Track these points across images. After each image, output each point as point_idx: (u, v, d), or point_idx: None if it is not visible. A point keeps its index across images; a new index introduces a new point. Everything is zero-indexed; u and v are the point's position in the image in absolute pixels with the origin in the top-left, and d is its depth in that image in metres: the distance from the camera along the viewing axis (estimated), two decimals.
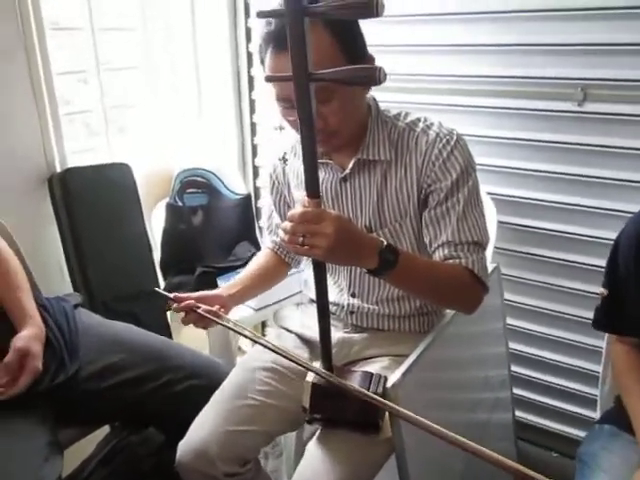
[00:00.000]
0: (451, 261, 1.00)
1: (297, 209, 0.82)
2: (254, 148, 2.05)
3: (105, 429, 1.33)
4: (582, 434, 1.62)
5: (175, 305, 1.11)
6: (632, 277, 0.96)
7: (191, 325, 1.12)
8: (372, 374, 0.97)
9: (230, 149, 2.04)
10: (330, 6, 0.63)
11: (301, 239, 0.81)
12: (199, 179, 1.84)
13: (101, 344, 1.23)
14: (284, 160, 1.24)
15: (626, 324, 1.01)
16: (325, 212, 0.81)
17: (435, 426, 0.71)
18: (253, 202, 2.01)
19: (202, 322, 1.11)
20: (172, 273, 1.84)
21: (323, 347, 0.94)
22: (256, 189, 2.11)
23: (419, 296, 1.10)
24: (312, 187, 0.79)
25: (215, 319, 1.06)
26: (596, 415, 1.25)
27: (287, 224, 0.83)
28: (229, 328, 1.03)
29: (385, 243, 0.88)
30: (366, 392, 0.84)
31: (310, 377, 0.97)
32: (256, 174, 2.09)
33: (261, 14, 0.74)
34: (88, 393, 1.15)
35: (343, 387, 0.88)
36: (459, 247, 1.00)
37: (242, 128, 2.03)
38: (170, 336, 1.73)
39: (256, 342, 1.00)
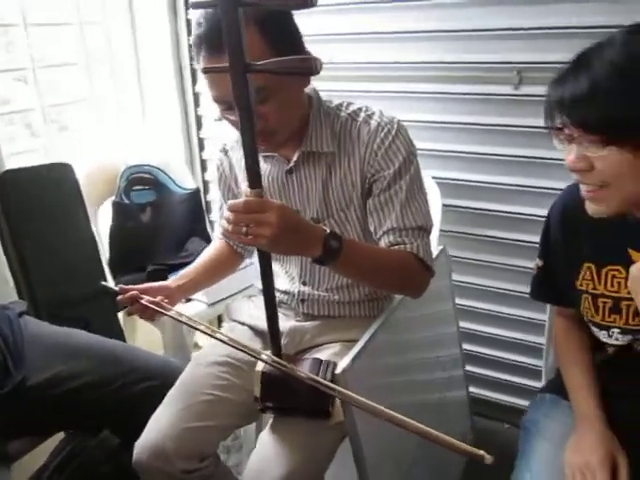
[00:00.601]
0: (397, 247, 1.02)
1: (239, 199, 0.81)
2: (200, 141, 2.02)
3: (59, 436, 1.30)
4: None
5: (120, 297, 1.10)
6: (560, 248, 1.00)
7: (143, 325, 1.11)
8: (321, 360, 0.98)
9: (176, 144, 2.01)
10: None
11: (245, 229, 0.81)
12: (146, 175, 1.81)
13: (49, 352, 1.19)
14: (225, 152, 1.24)
15: (559, 293, 1.05)
16: (268, 201, 0.81)
17: (382, 408, 0.73)
18: (202, 196, 1.99)
19: (146, 313, 1.10)
20: (122, 272, 1.80)
21: (271, 335, 0.95)
22: (205, 183, 2.09)
23: (365, 282, 1.11)
24: (253, 178, 0.79)
25: (159, 309, 1.06)
26: (541, 385, 1.30)
27: (230, 214, 0.82)
28: (173, 318, 1.03)
29: (328, 231, 0.89)
30: (315, 377, 0.86)
31: (260, 366, 0.97)
32: (204, 168, 2.07)
33: (195, 5, 0.74)
34: (37, 402, 1.12)
35: (292, 374, 0.88)
36: (403, 233, 1.02)
37: (187, 122, 2.00)
38: (123, 338, 1.70)
39: (205, 333, 1.00)
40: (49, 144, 1.73)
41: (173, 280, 1.23)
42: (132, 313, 1.11)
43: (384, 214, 1.04)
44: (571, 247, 0.98)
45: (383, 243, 1.04)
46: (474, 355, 1.73)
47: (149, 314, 1.11)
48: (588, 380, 0.98)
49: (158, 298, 1.10)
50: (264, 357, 0.95)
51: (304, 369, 0.96)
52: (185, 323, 1.01)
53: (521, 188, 1.49)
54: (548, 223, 1.03)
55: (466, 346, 1.68)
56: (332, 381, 0.92)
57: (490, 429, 1.75)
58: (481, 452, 0.65)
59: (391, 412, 0.72)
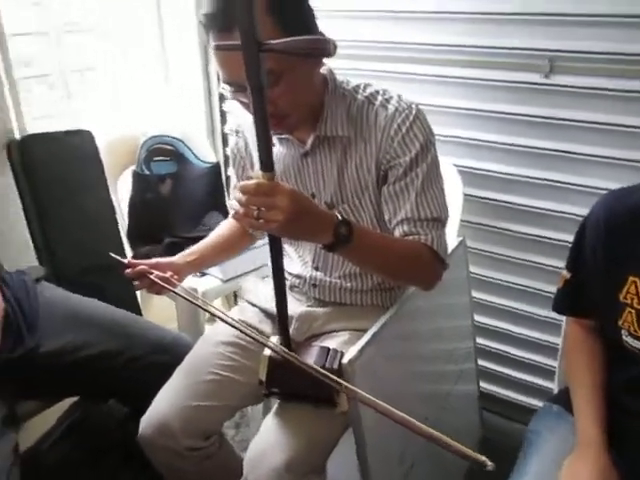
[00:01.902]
0: (410, 237, 0.99)
1: (251, 181, 0.79)
2: (223, 115, 2.00)
3: (68, 401, 1.33)
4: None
5: (129, 270, 1.11)
6: (599, 263, 0.94)
7: (159, 297, 1.12)
8: (329, 349, 0.97)
9: (198, 116, 1.99)
10: None
11: (256, 212, 0.79)
12: (167, 147, 1.80)
13: (63, 319, 1.21)
14: (236, 132, 1.22)
15: (586, 308, 1.00)
16: (280, 185, 0.79)
17: (385, 405, 0.71)
18: (223, 170, 1.97)
19: (154, 288, 1.11)
20: (140, 243, 1.81)
21: (280, 321, 0.94)
22: (226, 157, 2.06)
23: (375, 272, 1.09)
24: (266, 160, 0.77)
25: (166, 285, 1.06)
26: (554, 386, 1.28)
27: (241, 196, 0.80)
28: (180, 295, 1.03)
29: (340, 218, 0.87)
30: (319, 369, 0.84)
31: (267, 351, 0.97)
32: (225, 142, 2.04)
33: None
34: (48, 368, 1.14)
35: (297, 363, 0.88)
36: (418, 223, 0.99)
37: (210, 94, 1.97)
38: (138, 309, 1.71)
39: (211, 314, 0.99)
40: (70, 110, 1.72)
41: (182, 255, 1.23)
42: (140, 288, 1.12)
43: (399, 203, 1.01)
44: (614, 258, 0.92)
45: (397, 233, 1.02)
46: (487, 350, 1.70)
47: (157, 289, 1.11)
48: (597, 401, 0.94)
49: (168, 274, 1.10)
50: (270, 344, 0.94)
51: (311, 357, 0.96)
52: (192, 302, 1.00)
53: (546, 182, 1.44)
54: (583, 232, 0.98)
55: (480, 340, 1.65)
56: (339, 370, 0.92)
57: (500, 426, 1.73)
58: (483, 458, 0.63)
59: (394, 410, 0.71)
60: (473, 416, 1.64)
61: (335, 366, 0.93)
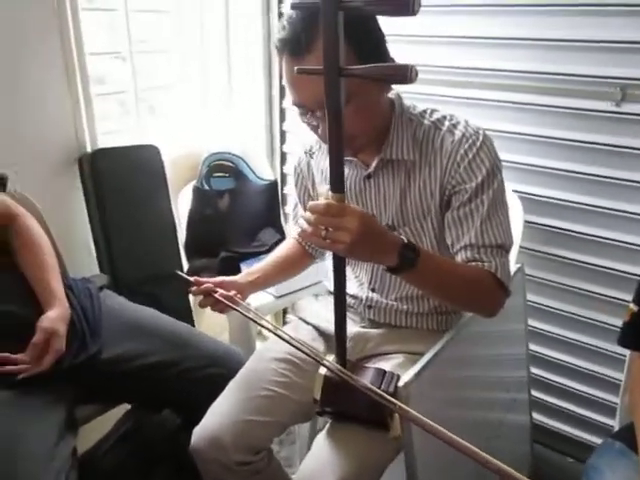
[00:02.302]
0: (474, 264, 0.98)
1: (321, 201, 0.80)
2: (282, 134, 2.04)
3: (124, 407, 1.36)
4: (598, 441, 1.59)
5: (195, 288, 1.13)
6: None
7: (213, 311, 1.14)
8: (385, 371, 0.97)
9: (258, 134, 2.04)
10: (366, 1, 0.62)
11: (324, 232, 0.80)
12: (226, 163, 1.85)
13: (124, 328, 1.25)
14: (310, 154, 1.23)
15: None
16: (349, 207, 0.80)
17: (440, 429, 0.71)
18: (279, 188, 2.01)
19: (218, 306, 1.13)
20: (196, 256, 1.86)
21: (338, 341, 0.94)
22: (283, 175, 2.11)
23: (437, 297, 1.08)
24: (337, 181, 0.78)
25: (230, 304, 1.09)
26: (614, 423, 1.23)
27: (310, 215, 0.81)
28: (243, 314, 1.04)
29: (406, 241, 0.87)
30: (375, 389, 0.84)
31: (323, 369, 0.97)
32: (283, 160, 2.09)
33: (295, 5, 0.73)
34: (108, 374, 1.18)
35: (353, 383, 0.87)
36: (482, 250, 0.98)
37: (271, 113, 2.02)
38: (192, 320, 1.75)
39: (270, 331, 1.01)
40: (138, 126, 1.79)
41: (243, 275, 1.24)
42: (204, 305, 1.14)
43: (463, 229, 1.01)
44: None
45: (460, 258, 1.01)
46: (542, 381, 1.65)
47: (221, 307, 1.13)
48: None
49: (231, 292, 1.12)
50: (327, 363, 0.94)
51: (367, 378, 0.95)
52: (254, 320, 1.02)
53: (609, 211, 1.40)
54: None
55: (534, 370, 1.61)
56: (394, 393, 0.92)
57: (551, 460, 1.67)
58: None
59: (449, 434, 0.70)
60: (524, 447, 1.59)
61: (391, 389, 0.92)
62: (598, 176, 1.40)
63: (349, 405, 0.97)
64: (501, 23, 1.43)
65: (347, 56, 0.89)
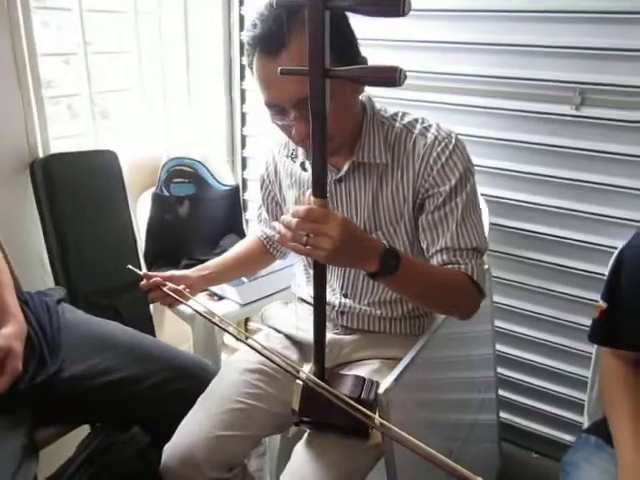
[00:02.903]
0: (450, 266, 0.98)
1: (303, 206, 0.78)
2: (243, 139, 2.00)
3: (87, 427, 1.30)
4: (564, 437, 1.63)
5: (144, 282, 1.12)
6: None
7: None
8: (364, 379, 0.95)
9: (219, 139, 2.00)
10: (355, 1, 0.60)
11: (305, 239, 0.78)
12: (186, 168, 1.79)
13: (85, 343, 1.18)
14: (272, 156, 1.22)
15: (624, 339, 0.99)
16: (332, 213, 0.78)
17: (422, 445, 0.69)
18: (241, 194, 1.97)
19: (166, 300, 1.12)
20: (157, 264, 1.80)
21: (317, 350, 0.92)
22: (244, 180, 2.07)
23: (416, 300, 1.07)
24: (319, 186, 0.76)
25: (178, 298, 1.07)
26: (582, 419, 1.25)
27: (291, 219, 0.78)
28: (191, 308, 1.02)
29: (387, 246, 0.86)
30: (357, 405, 0.81)
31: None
32: (244, 165, 2.05)
33: (281, 3, 0.71)
34: (70, 394, 1.11)
35: (332, 399, 0.85)
36: (458, 253, 0.98)
37: (232, 118, 1.98)
38: (152, 330, 1.69)
39: (239, 339, 0.97)
40: (92, 130, 1.72)
41: (197, 269, 1.24)
42: (154, 299, 1.13)
43: (438, 232, 1.01)
44: None
45: (435, 261, 1.01)
46: (508, 380, 1.68)
47: (169, 301, 1.12)
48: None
49: (181, 286, 1.10)
50: (303, 375, 0.92)
51: (346, 386, 0.94)
52: (204, 316, 0.99)
53: (573, 212, 1.44)
54: (619, 265, 0.97)
55: (500, 370, 1.63)
56: (374, 401, 0.90)
57: (518, 457, 1.70)
58: None
59: (430, 450, 0.69)
60: (492, 446, 1.61)
61: (372, 397, 0.91)
62: (560, 178, 1.43)
63: (328, 415, 0.95)
64: (466, 28, 1.45)
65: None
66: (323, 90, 0.66)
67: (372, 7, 0.60)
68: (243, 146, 2.02)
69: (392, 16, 0.59)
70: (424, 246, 1.03)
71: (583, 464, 1.00)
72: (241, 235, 1.90)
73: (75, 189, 1.54)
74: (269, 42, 0.88)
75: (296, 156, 1.15)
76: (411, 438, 0.70)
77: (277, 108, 0.95)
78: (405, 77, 0.62)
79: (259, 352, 0.94)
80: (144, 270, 1.74)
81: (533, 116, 1.42)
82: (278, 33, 0.87)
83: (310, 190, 0.77)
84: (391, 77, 0.61)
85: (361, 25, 0.94)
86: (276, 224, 0.85)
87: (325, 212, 0.77)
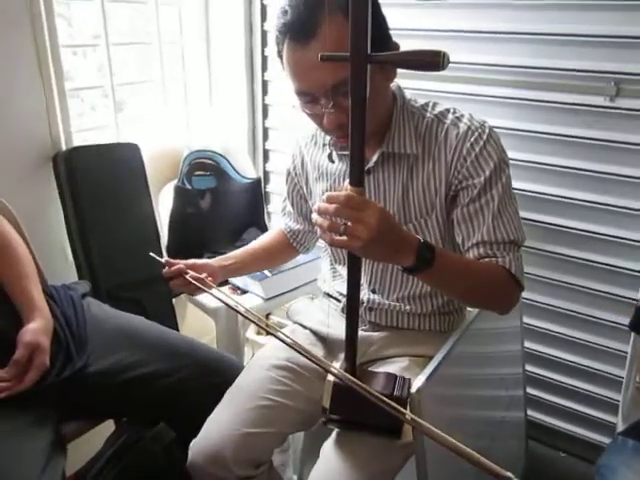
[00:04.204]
0: (487, 260, 0.95)
1: (340, 192, 0.75)
2: (265, 131, 1.98)
3: (110, 422, 1.29)
4: (594, 436, 1.59)
5: (166, 269, 1.11)
6: None
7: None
8: (396, 376, 0.93)
9: (240, 131, 1.98)
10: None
11: (342, 227, 0.75)
12: (208, 161, 1.78)
13: (111, 338, 1.17)
14: (299, 148, 1.20)
15: None
16: (370, 202, 0.75)
17: (448, 438, 0.67)
18: (263, 186, 1.95)
19: (188, 288, 1.10)
20: (178, 258, 1.77)
21: (348, 347, 0.90)
22: (266, 173, 2.05)
23: (453, 295, 1.05)
24: (357, 174, 0.74)
25: (200, 285, 1.06)
26: (614, 420, 1.22)
27: (328, 206, 0.75)
28: (213, 295, 1.01)
29: (422, 240, 0.83)
30: (388, 401, 0.79)
31: (331, 376, 0.92)
32: (266, 158, 2.02)
33: None
34: (96, 388, 1.10)
35: (365, 392, 0.83)
36: (495, 246, 0.96)
37: (254, 110, 1.96)
38: (175, 323, 1.68)
39: (266, 330, 0.94)
40: (113, 123, 1.71)
41: (220, 259, 1.23)
42: (175, 287, 1.11)
43: (474, 225, 0.98)
44: None
45: (472, 255, 0.98)
46: (536, 377, 1.65)
47: (191, 289, 1.10)
48: None
49: (203, 275, 1.08)
50: (334, 371, 0.89)
51: (378, 384, 0.91)
52: (226, 303, 0.98)
53: (606, 207, 1.39)
54: None
55: (529, 367, 1.60)
56: (407, 399, 0.88)
57: (545, 456, 1.67)
58: None
59: (462, 446, 0.66)
60: (519, 443, 1.59)
61: (404, 395, 0.89)
62: (593, 171, 1.39)
63: (360, 413, 0.93)
64: (495, 17, 1.40)
65: None
66: (365, 76, 0.65)
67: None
68: (265, 138, 1.99)
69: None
70: (459, 240, 1.00)
71: (621, 468, 0.97)
72: (263, 228, 1.89)
73: (97, 182, 1.53)
74: (300, 29, 0.86)
75: (332, 144, 1.11)
76: (445, 436, 0.68)
77: (308, 97, 0.93)
78: (449, 62, 0.60)
79: (290, 346, 0.91)
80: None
81: (566, 107, 1.37)
82: (309, 19, 0.84)
83: (347, 180, 0.75)
84: (435, 62, 0.59)
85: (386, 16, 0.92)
86: (314, 215, 0.82)
87: (364, 200, 0.75)
